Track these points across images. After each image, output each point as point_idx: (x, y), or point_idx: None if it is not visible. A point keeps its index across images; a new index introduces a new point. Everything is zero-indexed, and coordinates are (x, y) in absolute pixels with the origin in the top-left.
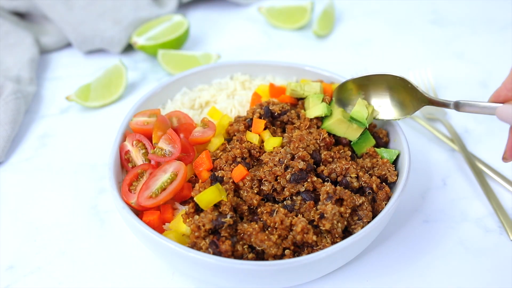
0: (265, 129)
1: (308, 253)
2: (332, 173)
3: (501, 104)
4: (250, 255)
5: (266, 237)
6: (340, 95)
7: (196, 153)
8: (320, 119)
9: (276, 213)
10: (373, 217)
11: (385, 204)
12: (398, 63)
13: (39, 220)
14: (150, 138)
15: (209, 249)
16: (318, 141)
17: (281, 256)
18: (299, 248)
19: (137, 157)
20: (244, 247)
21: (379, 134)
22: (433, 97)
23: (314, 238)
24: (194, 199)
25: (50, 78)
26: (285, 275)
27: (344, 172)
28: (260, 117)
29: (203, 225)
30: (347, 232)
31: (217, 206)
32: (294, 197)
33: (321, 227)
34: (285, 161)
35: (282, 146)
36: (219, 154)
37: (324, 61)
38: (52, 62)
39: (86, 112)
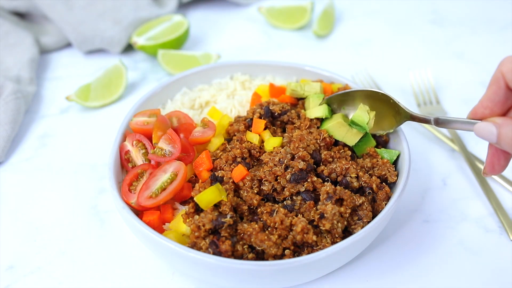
0: (265, 129)
1: (308, 253)
2: (332, 173)
3: (479, 121)
4: (250, 255)
5: (266, 237)
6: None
7: (196, 153)
8: (320, 120)
9: (276, 213)
10: (373, 217)
11: (385, 204)
12: (398, 63)
13: (39, 220)
14: (150, 138)
15: (209, 249)
16: (318, 141)
17: (281, 256)
18: (299, 248)
19: (137, 157)
20: (244, 247)
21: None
22: (414, 112)
23: (314, 238)
24: (194, 199)
25: (50, 78)
26: (285, 275)
27: (344, 172)
28: (260, 117)
29: (203, 225)
30: (347, 232)
31: (217, 206)
32: (294, 197)
33: (321, 227)
34: (285, 161)
35: (282, 146)
36: (219, 154)
37: (324, 61)
38: (52, 62)
39: (86, 112)
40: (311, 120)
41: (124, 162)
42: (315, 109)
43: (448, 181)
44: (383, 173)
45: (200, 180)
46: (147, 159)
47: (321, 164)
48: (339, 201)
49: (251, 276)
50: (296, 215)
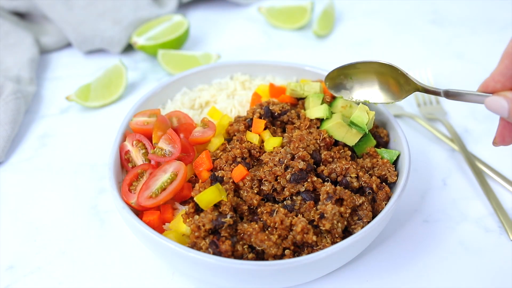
0: (265, 129)
1: (308, 253)
2: (332, 173)
3: (490, 95)
4: (250, 255)
5: (266, 237)
6: (331, 83)
7: (196, 153)
8: (320, 120)
9: (276, 213)
10: (373, 217)
11: (385, 204)
12: (398, 63)
13: (39, 220)
14: (150, 138)
15: (209, 249)
16: (318, 141)
17: (281, 256)
18: (299, 248)
19: (137, 157)
20: (244, 247)
21: (379, 134)
22: (423, 84)
23: (314, 238)
24: (194, 199)
25: (50, 78)
26: (285, 275)
27: (344, 172)
28: (260, 117)
29: (203, 225)
30: (347, 232)
31: (217, 206)
32: (294, 197)
33: (321, 227)
34: (285, 161)
35: (282, 146)
36: (219, 154)
37: (324, 61)
38: (52, 62)
39: (86, 112)
40: (311, 120)
41: (124, 162)
42: (315, 109)
43: (448, 181)
44: (383, 173)
45: (200, 180)
46: (147, 159)
47: (321, 164)
48: (339, 201)
49: (251, 276)
50: (296, 215)
